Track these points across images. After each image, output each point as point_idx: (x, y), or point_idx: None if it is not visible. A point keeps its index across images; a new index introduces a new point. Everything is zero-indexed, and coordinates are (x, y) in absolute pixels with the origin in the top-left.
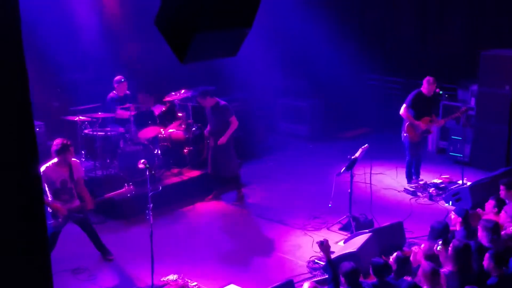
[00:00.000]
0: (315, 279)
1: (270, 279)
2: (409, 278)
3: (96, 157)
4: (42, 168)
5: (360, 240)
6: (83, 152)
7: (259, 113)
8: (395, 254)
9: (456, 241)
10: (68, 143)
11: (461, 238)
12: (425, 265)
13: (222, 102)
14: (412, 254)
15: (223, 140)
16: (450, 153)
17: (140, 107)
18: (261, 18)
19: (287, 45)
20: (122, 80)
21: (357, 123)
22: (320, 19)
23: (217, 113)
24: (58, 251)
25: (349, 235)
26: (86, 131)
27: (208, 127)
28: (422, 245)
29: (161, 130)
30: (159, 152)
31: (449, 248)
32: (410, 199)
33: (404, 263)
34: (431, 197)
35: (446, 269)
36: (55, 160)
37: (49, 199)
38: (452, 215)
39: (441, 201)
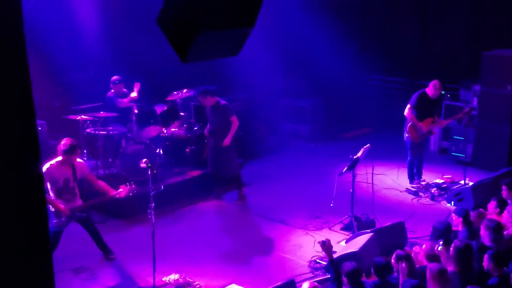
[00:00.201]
0: (317, 279)
1: (272, 278)
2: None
3: (98, 156)
4: (46, 166)
5: (361, 240)
6: (85, 151)
7: (260, 113)
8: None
9: (457, 241)
10: (76, 144)
11: (463, 238)
12: (432, 265)
13: (223, 102)
14: (413, 254)
15: (227, 141)
16: (452, 153)
17: (142, 106)
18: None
19: (288, 45)
20: (119, 80)
21: (358, 123)
22: (321, 20)
23: (218, 112)
24: (59, 250)
25: (350, 235)
26: (88, 130)
27: (208, 127)
28: (424, 246)
29: (163, 129)
30: (161, 151)
31: (451, 248)
32: (412, 199)
33: (406, 263)
34: (433, 197)
35: (448, 269)
36: (60, 158)
37: (52, 198)
38: (453, 215)
39: (443, 201)
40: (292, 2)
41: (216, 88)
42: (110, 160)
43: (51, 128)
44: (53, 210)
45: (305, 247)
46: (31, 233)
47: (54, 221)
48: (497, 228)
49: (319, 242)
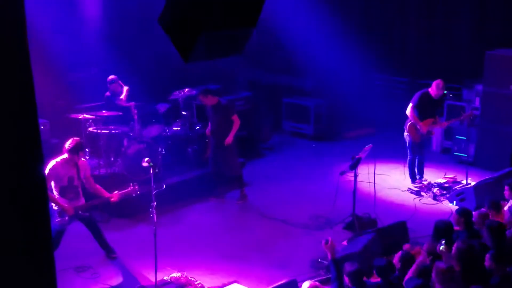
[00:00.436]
0: (319, 279)
1: (273, 278)
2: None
3: (100, 155)
4: (52, 164)
5: (363, 239)
6: (87, 150)
7: (263, 112)
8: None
9: (460, 241)
10: (82, 143)
11: (464, 238)
12: (440, 264)
13: (224, 101)
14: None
15: (228, 140)
16: (455, 153)
17: (144, 105)
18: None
19: (292, 45)
20: (114, 80)
21: (361, 123)
22: (325, 19)
23: (219, 111)
24: (61, 248)
25: (352, 234)
26: (90, 129)
27: (209, 126)
28: (424, 245)
29: (165, 128)
30: (163, 150)
31: (453, 248)
32: (414, 198)
33: (409, 262)
34: (435, 197)
35: None
36: (65, 156)
37: (56, 196)
38: (455, 215)
39: (445, 201)
40: (296, 1)
41: (219, 87)
42: (112, 159)
43: (54, 127)
44: (57, 208)
45: (307, 246)
46: (33, 232)
47: (57, 220)
48: (499, 229)
49: (321, 241)
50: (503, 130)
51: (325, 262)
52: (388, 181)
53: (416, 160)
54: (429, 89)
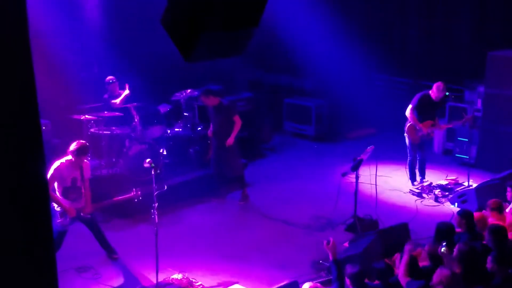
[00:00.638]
0: (320, 280)
1: (275, 279)
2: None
3: (102, 156)
4: (56, 164)
5: (365, 241)
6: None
7: (264, 112)
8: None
9: (461, 244)
10: (88, 146)
11: (466, 240)
12: (442, 270)
13: (225, 102)
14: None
15: (230, 141)
16: (456, 155)
17: (146, 106)
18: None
19: (293, 45)
20: (112, 81)
21: (363, 124)
22: (326, 19)
23: (221, 112)
24: (63, 249)
25: (354, 236)
26: (92, 130)
27: (211, 127)
28: (425, 247)
29: (167, 129)
30: (165, 151)
31: (454, 250)
32: (416, 200)
33: (413, 264)
34: (436, 199)
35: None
36: (70, 158)
37: (59, 197)
38: (456, 217)
39: (447, 203)
40: (297, 1)
41: (220, 88)
42: (114, 160)
43: (55, 127)
44: (59, 209)
45: (308, 247)
46: (34, 232)
47: (58, 220)
48: (501, 231)
49: (323, 242)
50: (505, 132)
51: (326, 263)
52: (390, 183)
53: (418, 160)
54: (430, 91)
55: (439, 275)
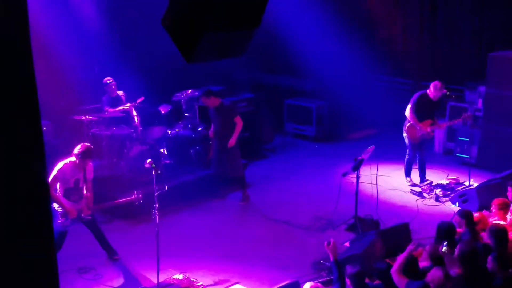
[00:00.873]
0: (320, 280)
1: (275, 279)
2: None
3: (103, 157)
4: (60, 165)
5: (365, 241)
6: None
7: (265, 113)
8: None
9: (463, 243)
10: (92, 149)
11: (466, 239)
12: (436, 271)
13: (226, 103)
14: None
15: (231, 142)
16: (457, 154)
17: (147, 107)
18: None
19: (294, 46)
20: (109, 81)
21: (364, 124)
22: (327, 20)
23: (222, 113)
24: (64, 249)
25: (354, 236)
26: (92, 130)
27: (212, 128)
28: (427, 247)
29: (168, 130)
30: (166, 151)
31: (456, 250)
32: (416, 200)
33: (413, 264)
34: (437, 198)
35: (452, 271)
36: (74, 159)
37: (61, 198)
38: (457, 217)
39: (448, 202)
40: (298, 2)
41: (221, 88)
42: (115, 160)
43: (56, 128)
44: (60, 210)
45: (309, 248)
46: (35, 233)
47: (59, 221)
48: (501, 233)
49: (324, 243)
50: (505, 131)
51: (327, 263)
52: (391, 183)
53: (417, 160)
54: (428, 90)
55: (431, 274)
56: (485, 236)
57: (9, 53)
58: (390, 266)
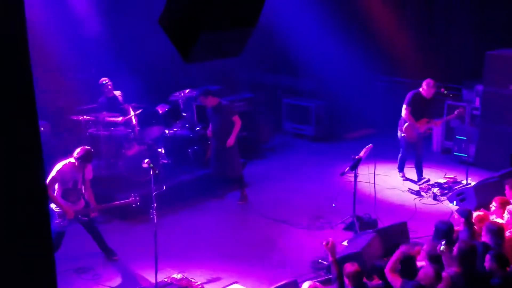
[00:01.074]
0: (319, 279)
1: (274, 278)
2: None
3: (101, 157)
4: (59, 166)
5: (363, 240)
6: None
7: (264, 113)
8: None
9: (461, 242)
10: (93, 153)
11: (464, 238)
12: (428, 269)
13: (224, 102)
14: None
15: (230, 142)
16: (455, 153)
17: (144, 106)
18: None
19: (292, 45)
20: (105, 82)
21: (362, 124)
22: (326, 19)
23: (219, 113)
24: (62, 250)
25: (353, 235)
26: (90, 130)
27: (210, 127)
28: (424, 246)
29: (165, 129)
30: (163, 151)
31: (454, 249)
32: (414, 199)
33: (410, 263)
34: (435, 197)
35: (451, 270)
36: (73, 160)
37: (59, 198)
38: (455, 216)
39: (446, 201)
40: (297, 2)
41: (219, 88)
42: (113, 160)
43: (54, 128)
44: (58, 210)
45: (307, 247)
46: (32, 233)
47: (56, 221)
48: (498, 232)
49: (322, 242)
50: (503, 130)
51: (325, 262)
52: (388, 182)
53: (414, 159)
54: (420, 89)
55: (423, 272)
56: (484, 237)
57: (7, 53)
58: None
